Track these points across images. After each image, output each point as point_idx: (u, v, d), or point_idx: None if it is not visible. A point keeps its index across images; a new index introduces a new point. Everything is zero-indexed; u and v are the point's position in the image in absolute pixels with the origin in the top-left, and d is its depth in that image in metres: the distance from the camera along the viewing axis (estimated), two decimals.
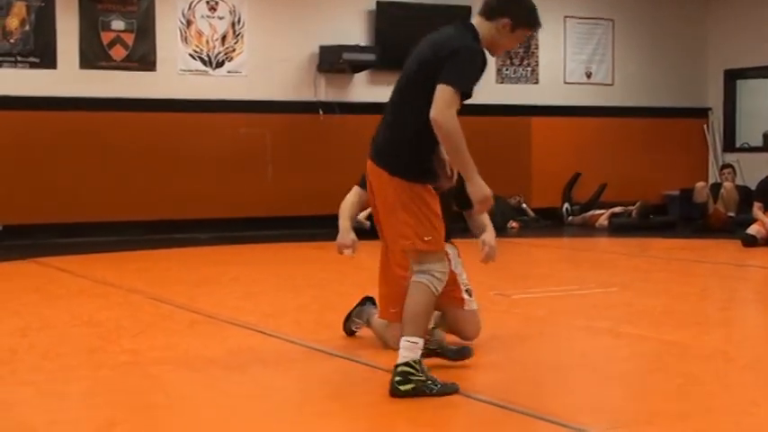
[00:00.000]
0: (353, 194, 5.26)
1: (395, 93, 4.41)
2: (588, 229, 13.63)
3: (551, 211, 14.39)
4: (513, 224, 13.23)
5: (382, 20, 13.21)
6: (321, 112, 13.00)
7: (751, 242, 10.60)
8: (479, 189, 4.13)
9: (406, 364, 4.09)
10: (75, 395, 4.34)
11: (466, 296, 5.00)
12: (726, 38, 15.51)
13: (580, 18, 14.98)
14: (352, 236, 5.13)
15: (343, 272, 8.37)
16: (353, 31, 13.16)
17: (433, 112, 4.08)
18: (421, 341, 4.17)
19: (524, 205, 14.15)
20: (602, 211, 13.83)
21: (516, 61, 14.51)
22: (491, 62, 15.47)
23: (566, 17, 14.84)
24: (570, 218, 14.31)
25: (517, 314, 6.37)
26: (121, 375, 4.67)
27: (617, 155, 15.03)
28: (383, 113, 4.47)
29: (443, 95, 4.09)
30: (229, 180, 12.62)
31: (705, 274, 9.24)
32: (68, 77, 11.78)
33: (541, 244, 11.65)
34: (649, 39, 15.42)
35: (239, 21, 12.71)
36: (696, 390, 4.35)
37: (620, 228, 13.26)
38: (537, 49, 14.64)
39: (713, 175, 15.19)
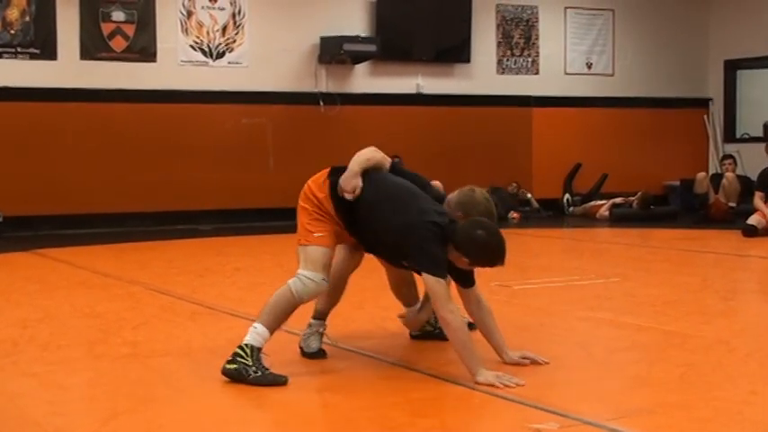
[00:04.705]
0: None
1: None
2: (589, 219, 13.63)
3: (552, 202, 14.40)
4: (514, 215, 13.24)
5: (383, 11, 13.20)
6: (322, 104, 12.99)
7: (751, 232, 10.60)
8: (484, 380, 4.13)
9: (242, 347, 4.28)
10: (77, 387, 4.34)
11: None
12: (726, 28, 15.49)
13: (580, 8, 14.97)
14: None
15: None
16: (354, 23, 13.14)
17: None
18: (267, 333, 4.34)
19: (529, 195, 14.16)
20: (603, 202, 13.83)
21: (517, 52, 14.50)
22: (492, 53, 15.38)
23: (566, 8, 14.84)
24: (571, 208, 14.32)
25: (518, 305, 6.38)
26: (122, 367, 4.67)
27: (618, 145, 15.04)
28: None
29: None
30: (230, 171, 12.62)
31: (706, 264, 9.24)
32: (69, 69, 11.78)
33: (542, 234, 11.65)
34: (650, 29, 15.41)
35: (240, 12, 12.69)
36: (698, 380, 4.35)
37: (620, 218, 13.27)
38: (537, 39, 14.63)
39: (713, 166, 15.19)
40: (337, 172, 4.53)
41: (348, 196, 4.43)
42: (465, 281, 4.47)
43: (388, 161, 4.65)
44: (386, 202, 4.41)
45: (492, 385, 4.05)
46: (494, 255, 4.29)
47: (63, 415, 3.87)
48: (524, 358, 4.51)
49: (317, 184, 4.58)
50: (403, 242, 4.34)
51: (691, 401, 3.97)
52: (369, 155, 4.54)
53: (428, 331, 5.10)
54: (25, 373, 4.55)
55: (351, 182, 4.43)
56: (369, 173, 4.49)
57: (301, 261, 4.47)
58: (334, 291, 4.78)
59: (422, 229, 4.27)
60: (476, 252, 4.26)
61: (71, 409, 3.99)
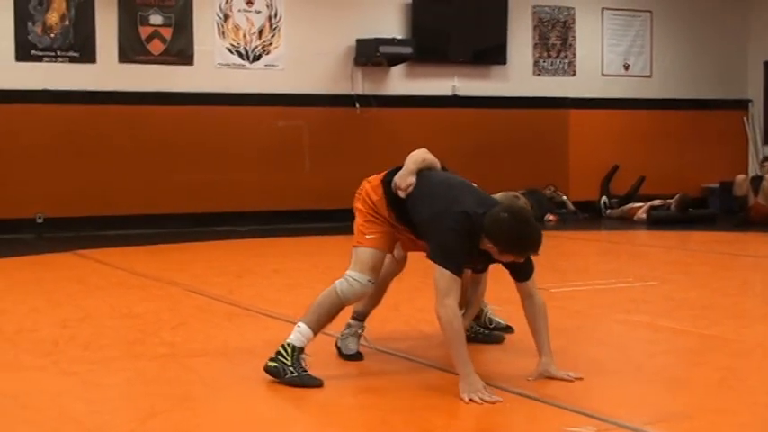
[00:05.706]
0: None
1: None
2: (626, 222, 13.55)
3: (589, 204, 14.32)
4: (551, 217, 13.18)
5: (419, 13, 13.21)
6: (358, 106, 13.01)
7: None
8: (469, 386, 3.99)
9: (284, 345, 4.30)
10: (116, 386, 4.39)
11: None
12: (766, 29, 15.33)
13: (618, 10, 14.88)
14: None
15: None
16: (390, 25, 13.15)
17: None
18: (310, 333, 4.34)
19: (565, 198, 14.10)
20: (641, 204, 13.74)
21: (554, 53, 14.44)
22: (528, 54, 15.29)
23: (603, 9, 14.76)
24: (608, 211, 14.23)
25: (555, 307, 6.32)
26: (161, 367, 4.71)
27: (655, 147, 14.93)
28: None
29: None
30: (267, 173, 12.69)
31: (745, 267, 9.15)
32: (107, 72, 11.90)
33: (579, 237, 11.59)
34: (688, 30, 15.28)
35: (276, 14, 12.75)
36: (737, 384, 4.31)
37: (658, 221, 13.17)
38: (574, 41, 14.56)
39: (753, 168, 15.03)
40: (393, 173, 4.52)
41: (401, 194, 4.42)
42: (518, 274, 4.32)
43: (438, 163, 4.64)
44: (426, 197, 4.38)
45: (471, 400, 3.93)
46: (522, 240, 4.05)
47: (102, 413, 3.91)
48: (550, 377, 4.29)
49: (372, 185, 4.56)
50: (427, 233, 4.28)
51: (730, 406, 3.94)
52: (423, 155, 4.53)
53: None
54: (66, 372, 4.61)
55: (406, 179, 4.41)
56: (422, 172, 4.49)
57: (351, 262, 4.49)
58: (375, 293, 4.79)
59: (446, 218, 4.16)
60: (502, 237, 4.04)
61: (110, 407, 4.03)
